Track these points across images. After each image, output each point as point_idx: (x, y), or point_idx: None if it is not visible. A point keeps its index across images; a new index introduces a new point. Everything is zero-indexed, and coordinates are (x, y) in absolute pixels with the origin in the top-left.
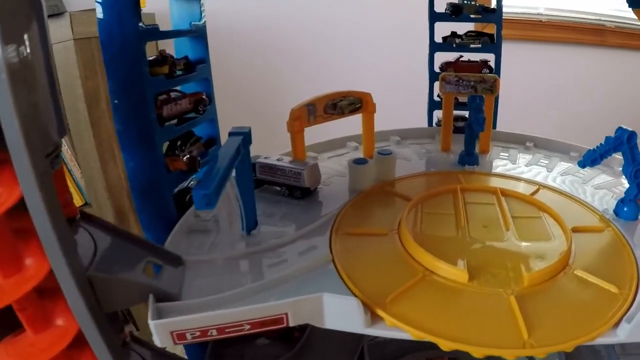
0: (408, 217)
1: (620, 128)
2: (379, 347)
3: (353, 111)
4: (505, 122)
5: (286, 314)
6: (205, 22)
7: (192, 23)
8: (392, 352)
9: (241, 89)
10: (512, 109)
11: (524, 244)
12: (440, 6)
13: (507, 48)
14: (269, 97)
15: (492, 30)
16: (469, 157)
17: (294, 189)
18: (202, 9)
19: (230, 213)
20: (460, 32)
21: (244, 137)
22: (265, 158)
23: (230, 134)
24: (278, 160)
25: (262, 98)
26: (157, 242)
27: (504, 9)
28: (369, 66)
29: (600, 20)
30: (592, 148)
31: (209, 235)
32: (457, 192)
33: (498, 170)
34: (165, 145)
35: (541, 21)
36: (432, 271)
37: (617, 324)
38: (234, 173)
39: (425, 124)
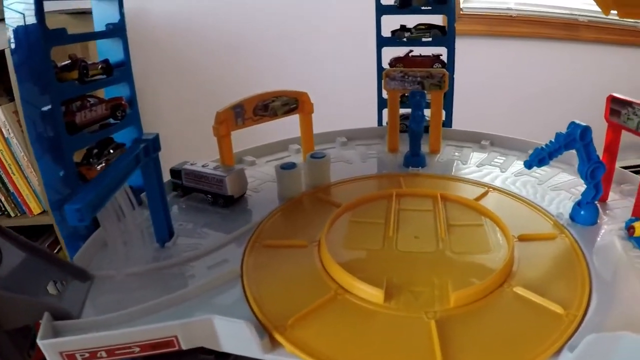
0: (332, 227)
1: (572, 123)
2: None
3: (288, 112)
4: (472, 119)
5: (176, 337)
6: (124, 23)
7: (108, 24)
8: None
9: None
10: (480, 106)
11: (457, 257)
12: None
13: (477, 44)
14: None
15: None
16: (414, 158)
17: (218, 196)
18: (121, 10)
19: (150, 225)
20: (412, 25)
21: (147, 144)
22: (192, 164)
23: (133, 142)
24: (203, 166)
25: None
26: None
27: (473, 5)
28: (323, 63)
29: (573, 14)
30: (540, 146)
31: (123, 249)
32: (392, 198)
33: (446, 171)
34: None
35: (511, 16)
36: (346, 289)
37: (559, 352)
38: None
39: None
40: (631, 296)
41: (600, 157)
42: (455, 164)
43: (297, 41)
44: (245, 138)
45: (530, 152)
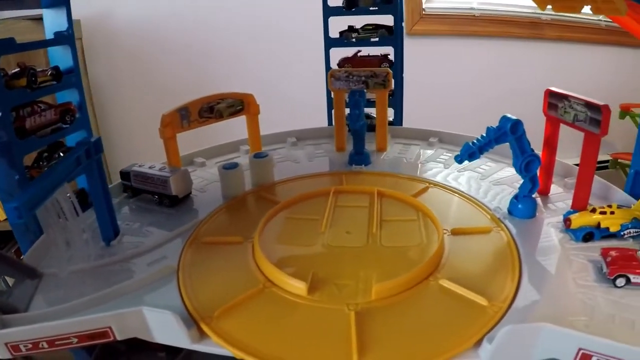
0: (268, 224)
1: (504, 117)
2: None
3: (234, 114)
4: (436, 119)
5: (110, 328)
6: (72, 30)
7: (57, 32)
8: None
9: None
10: (445, 106)
11: (386, 251)
12: (336, 0)
13: (440, 44)
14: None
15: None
16: (358, 157)
17: (164, 196)
18: (70, 18)
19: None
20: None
21: (88, 147)
22: (140, 166)
23: (76, 144)
24: (150, 167)
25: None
26: None
27: (436, 5)
28: (278, 66)
29: (536, 13)
30: (470, 141)
31: (67, 248)
32: (330, 195)
33: (391, 169)
34: None
35: (474, 16)
36: (273, 283)
37: (479, 343)
38: None
39: None
40: (560, 288)
41: (541, 151)
42: (400, 162)
43: (253, 43)
44: (203, 139)
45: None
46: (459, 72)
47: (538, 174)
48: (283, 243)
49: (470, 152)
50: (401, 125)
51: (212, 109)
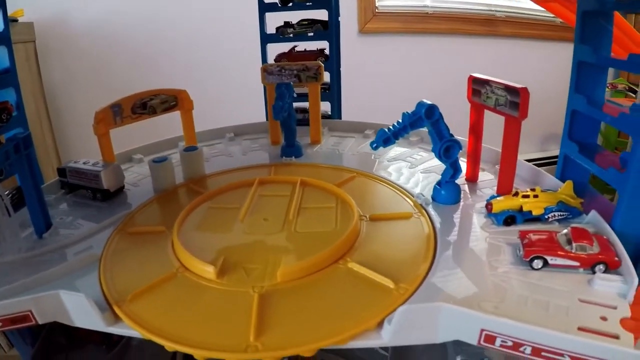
0: (190, 213)
1: (419, 102)
2: None
3: (167, 109)
4: (387, 114)
5: (30, 311)
6: (8, 32)
7: None
8: None
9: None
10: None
11: (300, 237)
12: None
13: (393, 41)
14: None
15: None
16: (289, 149)
17: (96, 191)
18: (6, 20)
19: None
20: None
21: (17, 142)
22: (75, 162)
23: (6, 140)
24: (84, 163)
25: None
26: None
27: (389, 3)
28: (223, 65)
29: (490, 10)
30: (386, 127)
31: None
32: (254, 185)
33: (323, 160)
34: None
35: (427, 13)
36: (186, 267)
37: (381, 324)
38: None
39: None
40: (474, 271)
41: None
42: (333, 153)
43: (196, 43)
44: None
45: (412, 138)
46: (412, 69)
47: (466, 162)
48: (201, 231)
49: (384, 137)
50: (340, 118)
51: (146, 105)
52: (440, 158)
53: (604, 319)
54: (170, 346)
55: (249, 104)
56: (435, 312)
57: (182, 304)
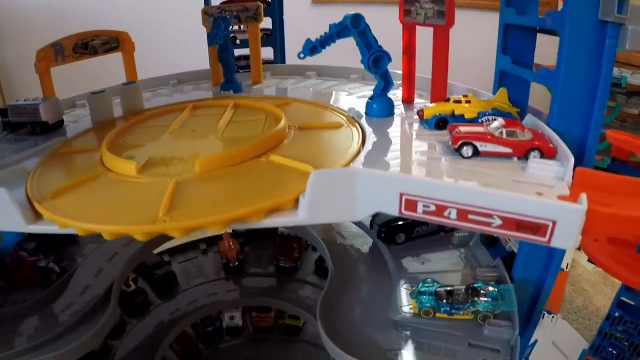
0: (123, 131)
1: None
2: None
3: (108, 51)
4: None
5: None
6: None
7: None
8: None
9: None
10: None
11: (226, 141)
12: None
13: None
14: None
15: None
16: (227, 84)
17: (35, 125)
18: None
19: None
20: None
21: None
22: (17, 101)
23: None
24: (25, 100)
25: None
26: None
27: None
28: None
29: None
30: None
31: None
32: (187, 109)
33: (261, 94)
34: None
35: None
36: (110, 169)
37: (297, 204)
38: None
39: None
40: (401, 160)
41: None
42: (273, 90)
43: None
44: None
45: (353, 75)
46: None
47: (402, 84)
48: (130, 142)
49: (311, 46)
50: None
51: (87, 46)
52: (369, 70)
53: (539, 194)
54: (81, 228)
55: (194, 54)
56: (351, 179)
57: (101, 198)
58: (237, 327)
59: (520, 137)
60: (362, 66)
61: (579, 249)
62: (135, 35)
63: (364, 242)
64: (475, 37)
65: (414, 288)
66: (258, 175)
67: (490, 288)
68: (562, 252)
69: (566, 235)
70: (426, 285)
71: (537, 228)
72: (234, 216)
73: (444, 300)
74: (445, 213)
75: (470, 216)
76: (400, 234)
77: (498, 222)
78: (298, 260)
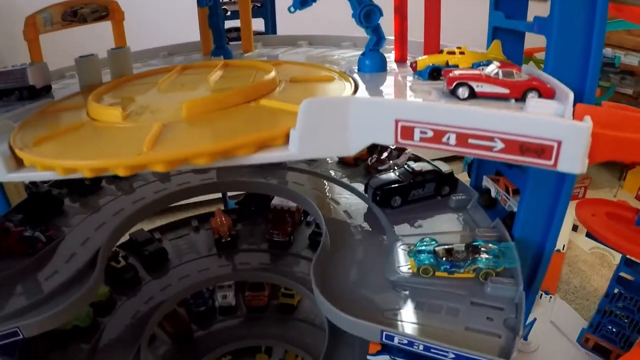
0: (112, 88)
1: None
2: None
3: (98, 19)
4: None
5: None
6: None
7: None
8: None
9: None
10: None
11: (215, 91)
12: None
13: None
14: None
15: None
16: (218, 51)
17: (22, 90)
18: None
19: None
20: None
21: None
22: (4, 67)
23: None
24: (13, 66)
25: None
26: None
27: None
28: None
29: None
30: None
31: None
32: (176, 69)
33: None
34: None
35: None
36: (95, 119)
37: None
38: None
39: None
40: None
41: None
42: (264, 58)
43: None
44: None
45: (344, 43)
46: None
47: (394, 44)
48: (117, 95)
49: None
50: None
51: (76, 13)
52: (360, 24)
53: None
54: (62, 166)
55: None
56: (344, 107)
57: (84, 143)
58: (230, 307)
59: (517, 77)
60: (353, 34)
61: (574, 229)
62: (125, 5)
63: (358, 208)
64: None
65: (412, 248)
66: (247, 117)
67: (491, 245)
68: (564, 209)
69: (573, 158)
70: (424, 244)
71: (541, 150)
72: (221, 147)
73: (444, 259)
74: (444, 139)
75: (470, 140)
76: (396, 197)
77: (500, 145)
78: (291, 234)
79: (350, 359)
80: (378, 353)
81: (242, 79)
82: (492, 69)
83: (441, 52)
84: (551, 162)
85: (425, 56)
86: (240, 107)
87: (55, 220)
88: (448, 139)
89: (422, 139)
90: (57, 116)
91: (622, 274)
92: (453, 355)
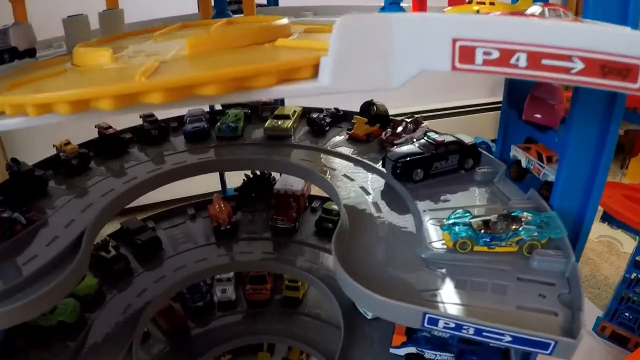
0: (98, 41)
1: None
2: None
3: None
4: None
5: None
6: None
7: None
8: None
9: None
10: None
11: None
12: None
13: None
14: None
15: None
16: (219, 15)
17: (4, 52)
18: None
19: None
20: None
21: None
22: None
23: None
24: None
25: None
26: None
27: None
28: None
29: None
30: None
31: None
32: (176, 26)
33: None
34: None
35: None
36: (80, 65)
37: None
38: None
39: None
40: None
41: None
42: None
43: None
44: None
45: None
46: None
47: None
48: (108, 46)
49: None
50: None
51: None
52: None
53: None
54: (34, 101)
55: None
56: (387, 28)
57: (64, 84)
58: (229, 302)
59: (564, 16)
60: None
61: None
62: None
63: (375, 184)
64: None
65: (444, 221)
66: (264, 54)
67: (531, 215)
68: (604, 178)
69: None
70: (457, 216)
71: (626, 71)
72: (235, 73)
73: (482, 231)
74: (512, 60)
75: (544, 61)
76: (418, 169)
77: (580, 65)
78: (296, 220)
79: (369, 356)
80: (403, 345)
81: (248, 27)
82: (536, 9)
83: (470, 2)
84: (636, 85)
85: (450, 7)
86: (253, 47)
87: (38, 202)
88: (517, 59)
89: (485, 62)
90: (38, 68)
91: (638, 257)
92: (510, 338)
